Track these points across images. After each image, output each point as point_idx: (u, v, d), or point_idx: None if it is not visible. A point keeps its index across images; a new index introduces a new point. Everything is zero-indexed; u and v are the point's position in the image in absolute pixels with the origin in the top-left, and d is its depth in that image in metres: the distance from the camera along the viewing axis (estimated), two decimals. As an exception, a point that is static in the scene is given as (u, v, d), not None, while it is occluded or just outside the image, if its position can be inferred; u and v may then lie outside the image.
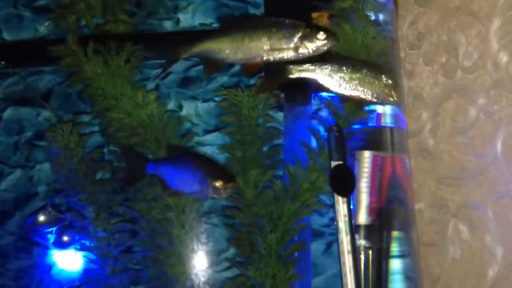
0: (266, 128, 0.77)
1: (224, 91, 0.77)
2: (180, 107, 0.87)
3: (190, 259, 0.75)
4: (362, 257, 0.79)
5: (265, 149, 0.77)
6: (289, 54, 0.69)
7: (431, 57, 1.00)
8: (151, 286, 0.77)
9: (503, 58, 0.88)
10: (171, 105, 0.87)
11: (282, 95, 0.81)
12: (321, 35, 0.69)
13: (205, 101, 0.86)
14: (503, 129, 0.87)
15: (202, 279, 0.74)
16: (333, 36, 0.70)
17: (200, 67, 0.86)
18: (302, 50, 0.69)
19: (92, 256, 0.78)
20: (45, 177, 0.88)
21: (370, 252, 0.79)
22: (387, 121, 0.84)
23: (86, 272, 0.80)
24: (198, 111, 0.87)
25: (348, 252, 0.69)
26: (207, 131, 0.86)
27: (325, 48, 0.69)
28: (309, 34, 0.69)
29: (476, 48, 0.93)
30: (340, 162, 0.70)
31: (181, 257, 0.74)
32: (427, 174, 1.00)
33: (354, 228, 0.77)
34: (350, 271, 0.68)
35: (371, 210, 0.81)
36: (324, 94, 0.80)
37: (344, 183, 0.71)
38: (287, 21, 0.70)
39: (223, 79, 0.86)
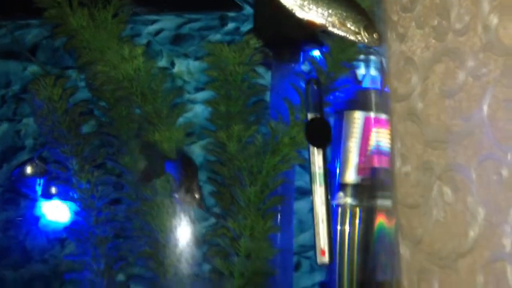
0: (251, 83, 0.77)
1: (210, 45, 0.76)
2: (172, 64, 0.86)
3: (174, 212, 0.76)
4: (348, 214, 0.80)
5: (249, 104, 0.77)
6: (346, 34, 0.71)
7: (424, 20, 0.98)
8: (135, 237, 0.78)
9: (494, 20, 0.87)
10: (163, 62, 0.86)
11: (270, 52, 0.80)
12: (376, 35, 0.72)
13: (197, 58, 0.86)
14: (490, 92, 0.86)
15: (186, 231, 0.75)
16: (381, 41, 0.73)
17: (193, 25, 0.85)
18: (357, 37, 0.72)
19: (76, 208, 0.79)
20: (32, 131, 0.88)
21: (358, 210, 0.80)
22: (373, 81, 0.83)
23: (72, 223, 0.81)
24: (190, 68, 0.86)
25: (322, 203, 0.70)
26: (198, 89, 0.85)
27: (370, 45, 0.72)
28: (370, 28, 0.72)
29: (467, 10, 0.91)
30: (317, 115, 0.71)
31: (165, 210, 0.75)
32: (415, 138, 1.00)
33: (340, 187, 0.78)
34: (322, 221, 0.70)
35: (360, 170, 0.81)
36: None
37: (320, 135, 0.72)
38: (361, 7, 0.73)
39: (216, 37, 0.85)
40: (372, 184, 0.82)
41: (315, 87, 0.72)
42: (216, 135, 0.76)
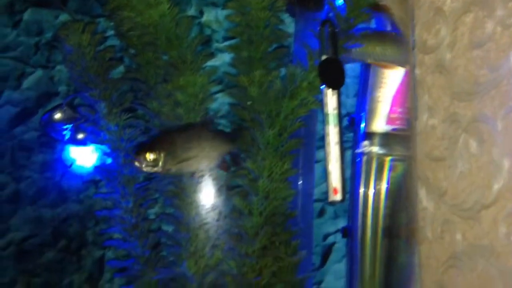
0: (273, 29, 0.76)
1: (233, -9, 0.76)
2: (201, 13, 0.86)
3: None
4: (375, 163, 0.80)
5: (271, 50, 0.77)
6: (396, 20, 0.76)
7: (455, -32, 0.95)
8: (160, 177, 0.80)
9: (526, -34, 0.83)
10: (192, 11, 0.86)
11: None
12: None
13: (225, 7, 0.85)
14: (520, 41, 0.83)
15: (208, 171, 0.77)
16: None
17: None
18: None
19: (105, 149, 0.81)
20: (65, 77, 0.90)
21: (388, 159, 0.81)
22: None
23: (102, 164, 0.84)
24: (218, 17, 0.86)
25: (336, 143, 0.71)
26: (226, 38, 0.85)
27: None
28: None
29: (500, -43, 0.87)
30: (331, 56, 0.70)
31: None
32: (443, 90, 0.98)
33: (366, 135, 0.78)
34: (336, 161, 0.70)
35: (389, 120, 0.81)
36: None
37: (333, 75, 0.72)
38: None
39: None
40: (402, 135, 0.82)
41: (329, 28, 0.71)
42: (238, 80, 0.77)
